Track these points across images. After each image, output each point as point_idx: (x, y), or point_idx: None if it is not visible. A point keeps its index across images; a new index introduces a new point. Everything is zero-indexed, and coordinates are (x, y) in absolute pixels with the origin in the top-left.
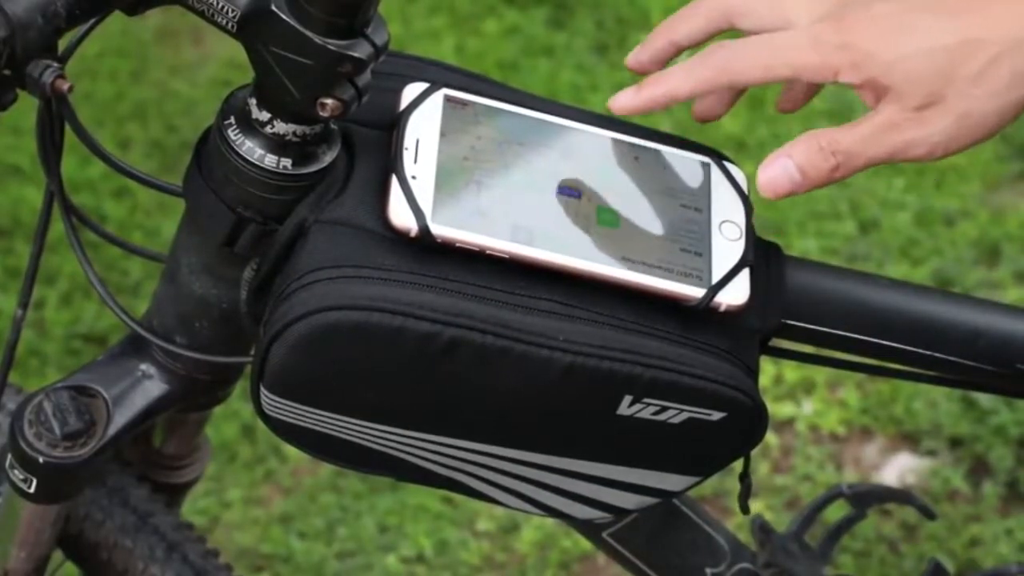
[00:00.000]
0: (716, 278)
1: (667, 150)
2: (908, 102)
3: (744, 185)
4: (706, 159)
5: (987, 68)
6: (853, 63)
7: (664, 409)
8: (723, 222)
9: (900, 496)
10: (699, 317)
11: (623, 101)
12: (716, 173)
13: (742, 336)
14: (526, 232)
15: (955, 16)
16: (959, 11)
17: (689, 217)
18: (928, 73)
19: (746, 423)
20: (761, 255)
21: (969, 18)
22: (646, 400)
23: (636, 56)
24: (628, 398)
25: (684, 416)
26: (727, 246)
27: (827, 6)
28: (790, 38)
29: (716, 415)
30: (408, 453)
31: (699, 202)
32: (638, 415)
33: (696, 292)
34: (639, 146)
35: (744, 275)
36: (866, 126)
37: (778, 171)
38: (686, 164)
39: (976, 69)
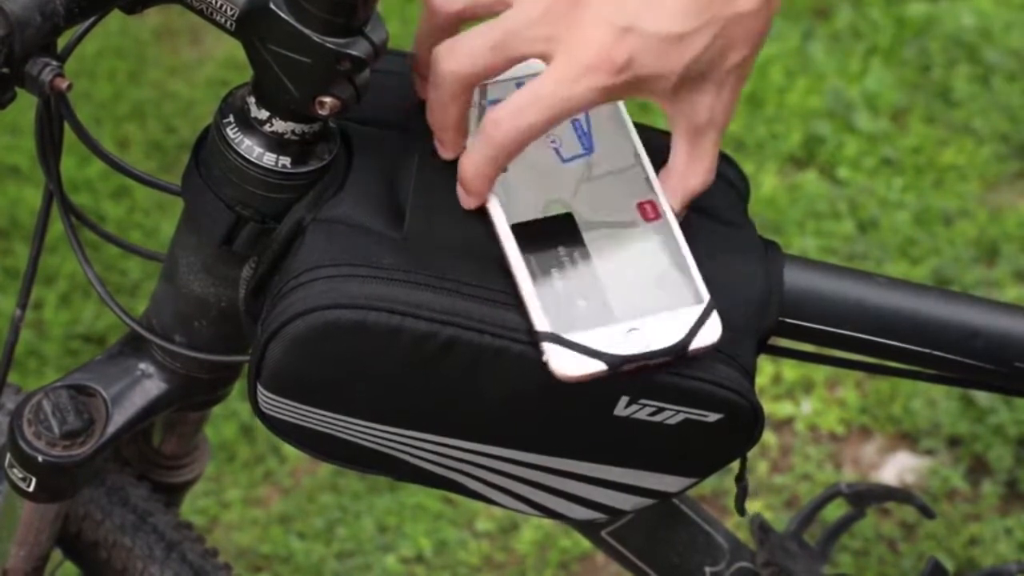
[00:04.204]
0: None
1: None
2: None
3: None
4: None
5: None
6: (642, 90)
7: (661, 410)
8: None
9: (899, 495)
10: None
11: (470, 207)
12: None
13: (739, 337)
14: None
15: None
16: None
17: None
18: (704, 66)
19: (743, 425)
20: (760, 254)
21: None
22: (643, 401)
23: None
24: (625, 399)
25: (681, 417)
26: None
27: (557, 24)
28: (564, 88)
29: (713, 416)
30: (405, 453)
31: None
32: (635, 416)
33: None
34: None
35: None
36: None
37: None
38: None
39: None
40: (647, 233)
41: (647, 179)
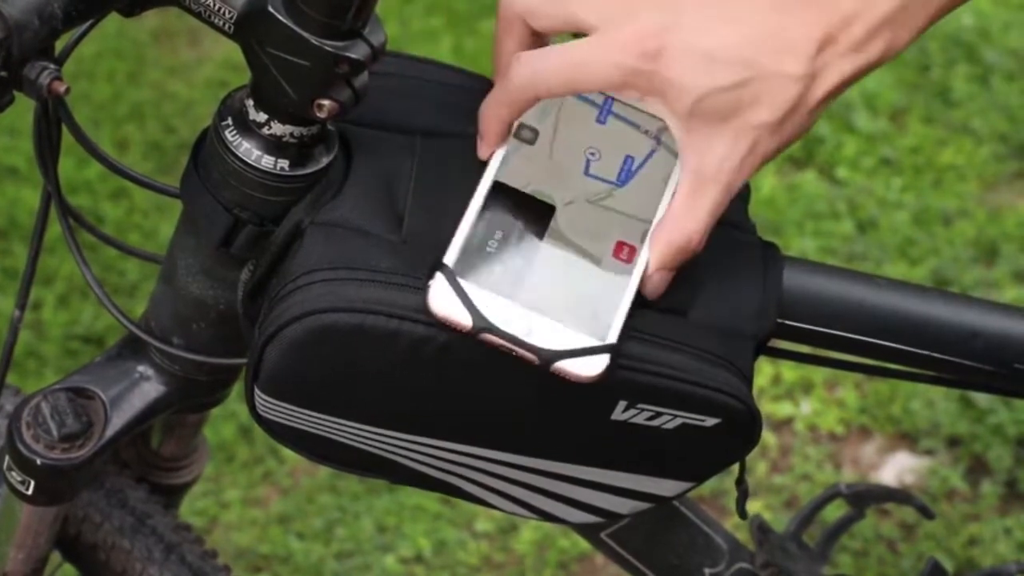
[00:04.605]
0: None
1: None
2: (701, 125)
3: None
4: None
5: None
6: (658, 91)
7: (658, 415)
8: None
9: (898, 495)
10: (694, 322)
11: (482, 155)
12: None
13: (737, 341)
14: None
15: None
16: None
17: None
18: (726, 104)
19: (740, 429)
20: (758, 256)
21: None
22: (640, 406)
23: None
24: (622, 403)
25: (678, 422)
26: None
27: (616, 5)
28: (589, 54)
29: (710, 421)
30: (402, 456)
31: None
32: (632, 420)
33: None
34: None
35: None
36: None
37: None
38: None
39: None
40: (605, 266)
41: (644, 232)
